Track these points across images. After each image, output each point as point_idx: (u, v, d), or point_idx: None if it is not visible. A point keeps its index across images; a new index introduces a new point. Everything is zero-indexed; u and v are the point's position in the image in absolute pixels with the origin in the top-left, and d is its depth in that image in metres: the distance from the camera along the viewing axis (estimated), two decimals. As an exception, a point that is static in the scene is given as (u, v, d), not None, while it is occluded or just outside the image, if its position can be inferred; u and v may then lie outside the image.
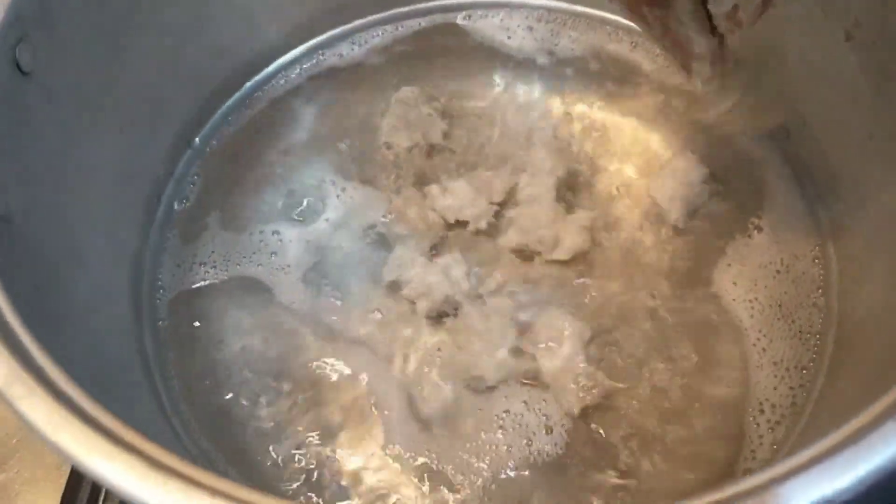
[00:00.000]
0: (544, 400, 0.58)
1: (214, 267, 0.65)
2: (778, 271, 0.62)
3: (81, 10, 0.53)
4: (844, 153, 0.61)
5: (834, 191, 0.62)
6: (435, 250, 0.66)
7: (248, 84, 0.73)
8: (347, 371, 0.60)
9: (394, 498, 0.55)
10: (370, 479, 0.56)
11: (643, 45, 0.75)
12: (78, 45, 0.53)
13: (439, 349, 0.61)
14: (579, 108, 0.73)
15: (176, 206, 0.68)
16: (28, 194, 0.45)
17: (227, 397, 0.59)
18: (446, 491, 0.55)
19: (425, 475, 0.56)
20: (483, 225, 0.67)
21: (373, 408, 0.59)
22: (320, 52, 0.76)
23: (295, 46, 0.75)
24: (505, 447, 0.56)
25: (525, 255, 0.66)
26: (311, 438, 0.57)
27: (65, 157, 0.51)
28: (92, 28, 0.54)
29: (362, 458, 0.57)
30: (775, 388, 0.57)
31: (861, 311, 0.55)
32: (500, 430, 0.57)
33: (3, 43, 0.45)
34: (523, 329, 0.62)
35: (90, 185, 0.55)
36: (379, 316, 0.63)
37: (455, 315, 0.63)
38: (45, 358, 0.34)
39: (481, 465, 0.56)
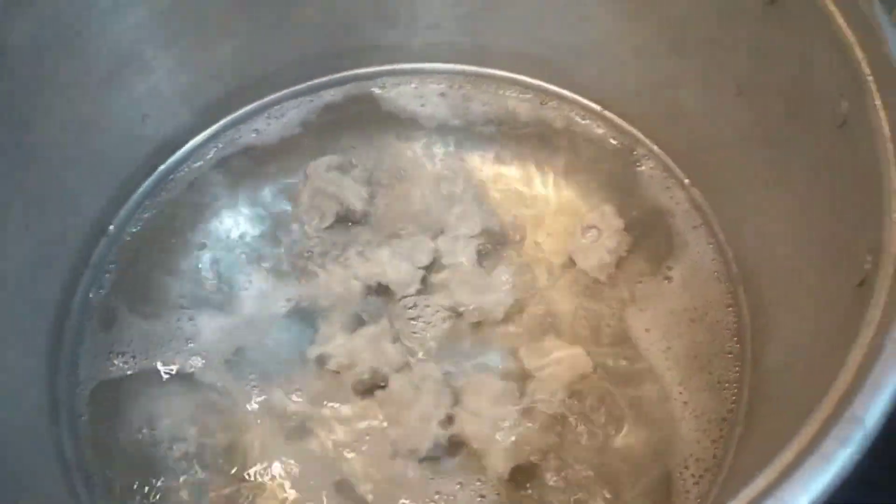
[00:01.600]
0: (479, 480, 0.58)
1: (133, 357, 0.63)
2: (692, 319, 0.64)
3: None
4: (745, 201, 0.63)
5: (739, 237, 0.65)
6: (360, 321, 0.66)
7: (162, 167, 0.73)
8: (278, 458, 0.59)
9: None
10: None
11: (553, 102, 0.77)
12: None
13: (369, 424, 0.61)
14: (495, 168, 0.75)
15: (91, 296, 0.66)
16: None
17: (151, 493, 0.58)
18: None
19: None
20: (410, 291, 0.67)
21: (307, 491, 0.58)
22: (234, 129, 0.76)
23: (208, 126, 0.75)
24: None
25: (452, 319, 0.66)
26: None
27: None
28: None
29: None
30: (698, 442, 0.58)
31: (774, 358, 0.56)
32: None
33: None
34: (454, 396, 0.62)
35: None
36: (305, 395, 0.62)
37: (384, 387, 0.62)
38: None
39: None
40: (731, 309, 0.64)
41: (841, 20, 0.46)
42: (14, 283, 0.57)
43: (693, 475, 0.56)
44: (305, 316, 0.66)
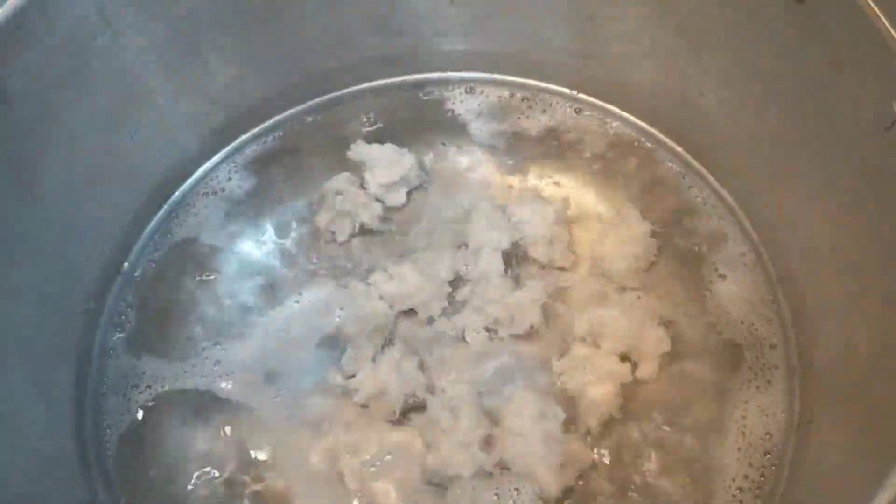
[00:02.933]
0: (516, 489, 0.57)
1: (157, 390, 0.62)
2: (728, 321, 0.63)
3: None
4: (781, 202, 0.62)
5: (775, 239, 0.63)
6: (386, 344, 0.64)
7: (171, 199, 0.71)
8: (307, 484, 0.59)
9: None
10: None
11: (582, 111, 0.75)
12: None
13: (403, 451, 0.60)
14: (518, 178, 0.73)
15: (111, 335, 0.65)
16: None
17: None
18: None
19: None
20: (436, 310, 0.65)
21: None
22: (241, 153, 0.74)
23: (216, 152, 0.73)
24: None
25: (482, 335, 0.64)
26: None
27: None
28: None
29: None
30: (750, 464, 0.57)
31: (821, 362, 0.55)
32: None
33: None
34: (492, 416, 0.60)
35: (12, 341, 0.52)
36: (335, 424, 0.61)
37: (417, 413, 0.61)
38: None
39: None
40: (771, 311, 0.63)
41: (885, 22, 0.44)
42: (31, 331, 0.55)
43: (738, 493, 0.56)
44: (330, 340, 0.64)
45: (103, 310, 0.65)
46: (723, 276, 0.65)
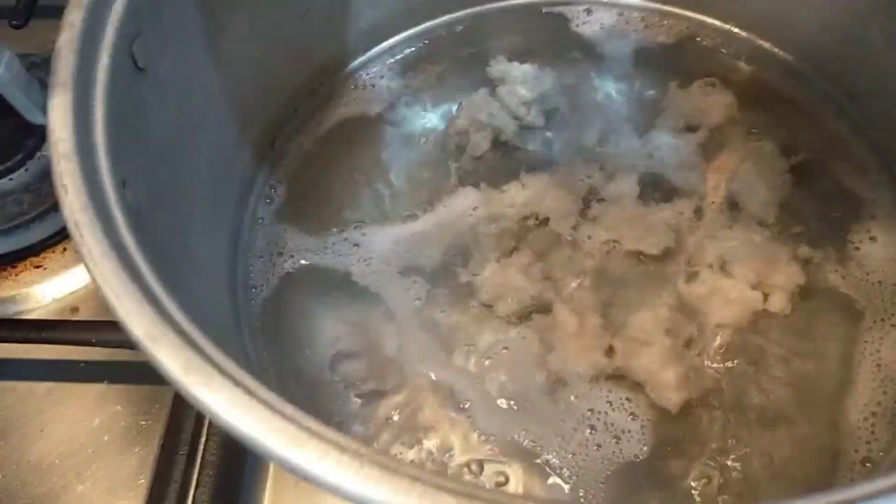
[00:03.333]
0: (628, 399, 0.58)
1: (302, 260, 0.65)
2: (877, 260, 0.62)
3: (184, 9, 0.53)
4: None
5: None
6: (516, 250, 0.65)
7: (326, 86, 0.74)
8: (436, 372, 0.60)
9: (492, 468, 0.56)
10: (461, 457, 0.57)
11: (726, 42, 0.75)
12: (180, 45, 0.53)
13: (526, 349, 0.60)
14: (663, 105, 0.72)
15: (261, 209, 0.68)
16: (149, 191, 0.45)
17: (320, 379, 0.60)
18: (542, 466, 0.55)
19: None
20: (568, 223, 0.66)
21: (461, 405, 0.58)
22: (391, 53, 0.77)
23: (368, 49, 0.76)
24: (595, 445, 0.56)
25: (611, 252, 0.65)
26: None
27: (174, 156, 0.51)
28: (192, 27, 0.54)
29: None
30: (884, 392, 0.56)
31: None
32: (589, 429, 0.57)
33: (122, 39, 0.44)
34: (616, 327, 0.61)
35: (194, 184, 0.55)
36: (461, 318, 0.62)
37: (545, 313, 0.62)
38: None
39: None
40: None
41: None
42: (205, 188, 0.58)
43: (871, 416, 0.55)
44: (462, 242, 0.66)
45: (255, 182, 0.68)
46: (870, 216, 0.64)
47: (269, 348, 0.61)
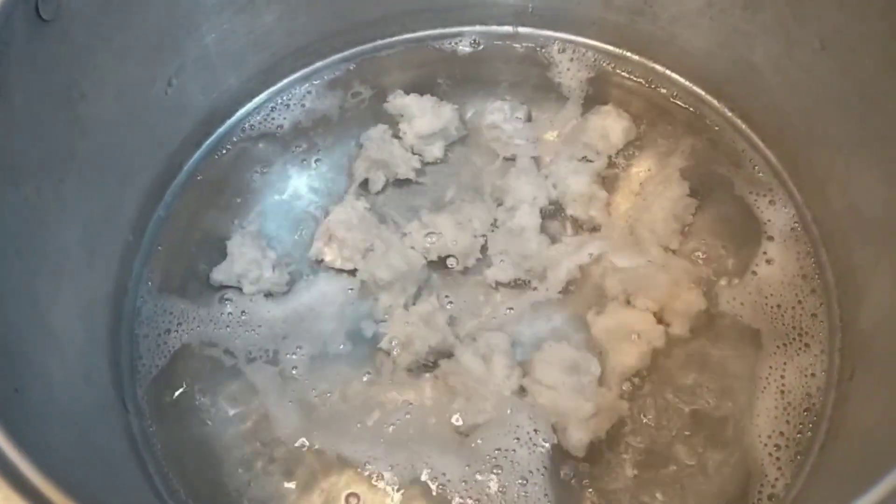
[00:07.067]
0: (535, 429, 0.57)
1: (188, 333, 0.62)
2: (770, 282, 0.62)
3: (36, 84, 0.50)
4: (829, 162, 0.60)
5: (821, 199, 0.62)
6: (419, 294, 0.64)
7: (210, 140, 0.71)
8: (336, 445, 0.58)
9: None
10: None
11: (621, 66, 0.75)
12: (36, 117, 0.50)
13: (429, 399, 0.59)
14: (560, 134, 0.72)
15: (146, 274, 0.65)
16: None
17: (215, 469, 0.57)
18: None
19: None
20: (470, 262, 0.65)
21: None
22: (281, 97, 0.74)
23: (255, 95, 0.73)
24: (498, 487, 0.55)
25: (516, 288, 0.64)
26: None
27: (32, 240, 0.48)
28: (49, 98, 0.51)
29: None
30: (787, 422, 0.56)
31: (867, 322, 0.54)
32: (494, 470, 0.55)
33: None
34: (524, 367, 0.60)
35: (60, 265, 0.52)
36: (370, 374, 0.60)
37: (449, 358, 0.60)
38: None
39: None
40: (813, 270, 0.62)
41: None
42: (75, 265, 0.55)
43: (774, 450, 0.55)
44: (363, 289, 0.64)
45: (140, 245, 0.65)
46: (767, 237, 0.64)
47: (156, 424, 0.58)
